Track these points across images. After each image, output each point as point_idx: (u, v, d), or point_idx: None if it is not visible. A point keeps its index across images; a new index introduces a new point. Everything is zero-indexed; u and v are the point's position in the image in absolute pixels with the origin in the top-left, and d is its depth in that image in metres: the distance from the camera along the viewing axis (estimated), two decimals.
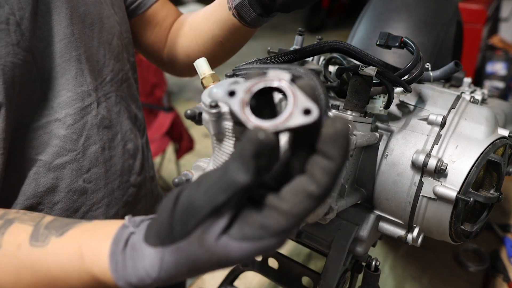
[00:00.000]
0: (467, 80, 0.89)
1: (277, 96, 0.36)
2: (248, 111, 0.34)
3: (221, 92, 0.48)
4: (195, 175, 0.52)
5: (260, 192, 0.35)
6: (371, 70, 0.59)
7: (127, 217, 0.44)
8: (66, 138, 0.69)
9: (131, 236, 0.42)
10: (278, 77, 0.34)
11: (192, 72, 0.85)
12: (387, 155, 0.66)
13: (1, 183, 0.63)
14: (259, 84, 0.35)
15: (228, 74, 0.58)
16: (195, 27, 0.86)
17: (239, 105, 0.34)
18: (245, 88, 0.34)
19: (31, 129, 0.66)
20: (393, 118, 0.68)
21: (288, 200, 0.33)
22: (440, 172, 0.62)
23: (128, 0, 0.87)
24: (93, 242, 0.45)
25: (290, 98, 0.33)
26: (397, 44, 0.65)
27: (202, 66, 0.59)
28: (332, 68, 0.79)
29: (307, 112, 0.32)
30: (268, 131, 0.32)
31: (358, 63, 0.68)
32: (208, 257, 0.37)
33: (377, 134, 0.66)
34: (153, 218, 0.41)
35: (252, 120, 0.33)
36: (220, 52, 0.86)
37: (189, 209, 0.36)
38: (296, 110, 0.33)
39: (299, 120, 0.32)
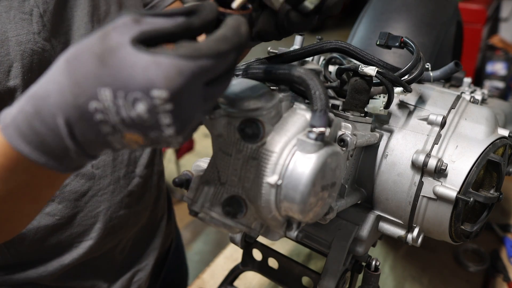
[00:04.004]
0: (467, 80, 0.89)
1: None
2: None
3: None
4: (195, 175, 0.52)
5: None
6: (371, 70, 0.59)
7: None
8: None
9: None
10: None
11: None
12: (387, 155, 0.66)
13: None
14: None
15: None
16: None
17: None
18: None
19: None
20: (393, 118, 0.68)
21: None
22: (440, 172, 0.62)
23: (145, 1, 0.92)
24: None
25: None
26: (397, 44, 0.65)
27: None
28: (332, 68, 0.79)
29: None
30: None
31: (358, 63, 0.68)
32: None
33: (377, 134, 0.66)
34: None
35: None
36: None
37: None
38: None
39: None
